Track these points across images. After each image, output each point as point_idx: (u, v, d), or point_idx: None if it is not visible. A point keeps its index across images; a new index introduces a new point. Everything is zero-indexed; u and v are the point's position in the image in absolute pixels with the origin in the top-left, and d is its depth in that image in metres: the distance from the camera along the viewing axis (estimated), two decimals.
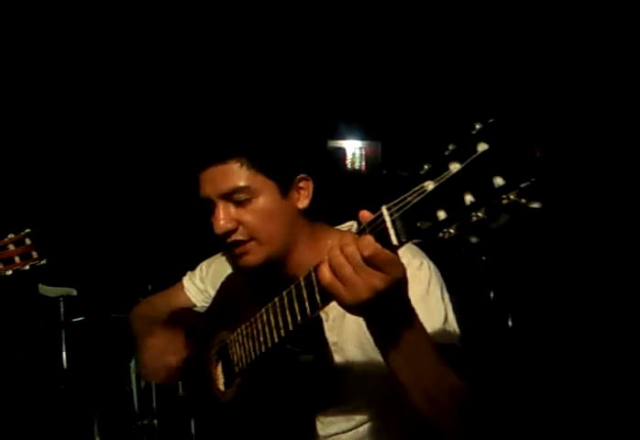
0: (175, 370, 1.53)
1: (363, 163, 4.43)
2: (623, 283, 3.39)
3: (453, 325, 1.30)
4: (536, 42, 3.62)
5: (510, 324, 3.34)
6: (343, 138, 4.42)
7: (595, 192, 3.45)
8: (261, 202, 1.34)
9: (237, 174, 1.33)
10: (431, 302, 1.29)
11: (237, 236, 1.34)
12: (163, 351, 1.54)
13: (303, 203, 1.39)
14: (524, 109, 0.67)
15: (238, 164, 1.33)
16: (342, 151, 4.41)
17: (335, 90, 4.11)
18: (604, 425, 2.90)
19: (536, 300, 3.51)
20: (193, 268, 1.74)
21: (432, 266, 1.35)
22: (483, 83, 3.72)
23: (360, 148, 4.44)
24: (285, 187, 1.37)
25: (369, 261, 0.89)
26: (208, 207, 1.38)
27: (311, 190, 1.40)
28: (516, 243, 3.23)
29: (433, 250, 1.35)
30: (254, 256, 1.36)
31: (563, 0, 3.49)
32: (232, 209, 1.34)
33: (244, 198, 1.33)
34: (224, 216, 1.33)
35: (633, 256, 3.44)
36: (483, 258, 3.39)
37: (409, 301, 1.01)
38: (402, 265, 0.93)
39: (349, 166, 4.42)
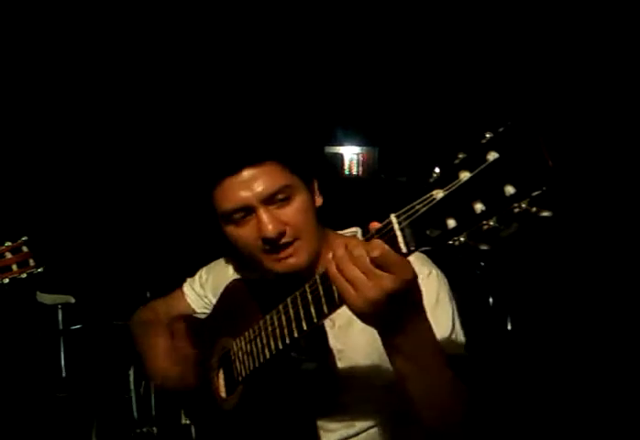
0: (190, 373, 1.49)
1: (360, 169, 4.44)
2: (621, 286, 3.40)
3: (460, 335, 1.31)
4: (542, 48, 3.61)
5: (509, 327, 3.35)
6: (340, 144, 4.43)
7: (594, 197, 3.46)
8: (300, 200, 1.33)
9: (277, 174, 1.31)
10: (439, 313, 1.29)
11: (286, 239, 1.31)
12: (171, 353, 1.51)
13: (318, 201, 1.41)
14: (535, 117, 0.67)
15: (275, 165, 1.31)
16: (340, 157, 4.42)
17: (332, 96, 4.12)
18: (603, 427, 2.90)
19: (535, 303, 3.51)
20: (191, 274, 1.74)
21: (440, 275, 1.35)
22: (479, 90, 3.72)
23: (358, 154, 4.45)
24: (310, 187, 1.38)
25: (378, 263, 0.89)
26: (229, 219, 1.33)
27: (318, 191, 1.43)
28: (515, 247, 3.22)
29: (433, 255, 1.35)
30: (300, 257, 1.33)
31: (574, 4, 3.48)
32: (275, 211, 1.31)
33: (284, 197, 1.31)
34: (271, 220, 1.29)
35: (630, 258, 3.44)
36: (482, 263, 3.39)
37: (421, 305, 1.00)
38: (411, 267, 0.92)
39: (347, 171, 4.43)
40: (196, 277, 1.71)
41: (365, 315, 0.96)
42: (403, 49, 3.95)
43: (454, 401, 1.11)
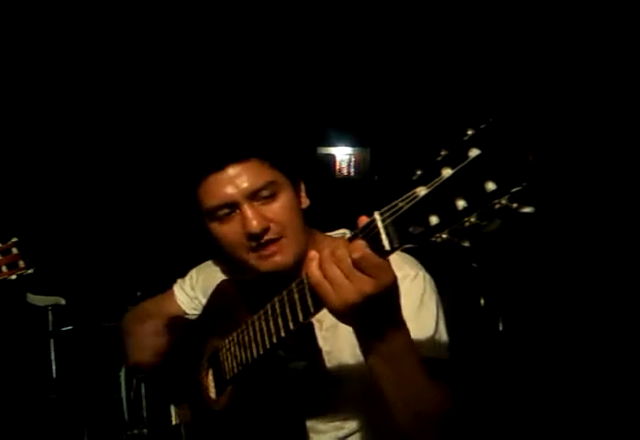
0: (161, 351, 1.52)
1: (352, 170, 4.45)
2: (613, 286, 3.41)
3: (443, 339, 1.30)
4: (525, 48, 3.64)
5: (500, 328, 3.35)
6: (332, 145, 4.44)
7: (584, 196, 3.48)
8: (285, 197, 1.33)
9: (262, 170, 1.31)
10: (423, 315, 1.29)
11: (270, 235, 1.31)
12: (153, 333, 1.55)
13: (305, 202, 1.41)
14: (516, 114, 0.67)
15: (261, 162, 1.32)
16: (331, 158, 4.43)
17: (324, 97, 4.12)
18: (596, 428, 2.91)
19: (527, 304, 3.52)
20: (182, 274, 1.73)
21: (427, 277, 1.35)
22: (472, 89, 3.74)
23: (350, 155, 4.45)
24: (296, 186, 1.39)
25: (359, 265, 0.89)
26: (213, 215, 1.33)
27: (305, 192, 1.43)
28: (506, 248, 3.24)
29: (424, 257, 1.36)
30: (284, 255, 1.32)
31: (552, 4, 3.51)
32: (259, 208, 1.31)
33: (269, 194, 1.31)
34: (256, 215, 1.29)
35: (622, 258, 3.46)
36: (474, 264, 3.40)
37: (399, 311, 1.00)
38: (392, 271, 0.92)
39: (339, 172, 4.43)
40: (187, 278, 1.71)
41: (342, 316, 0.97)
42: (396, 48, 3.96)
43: (431, 405, 1.11)
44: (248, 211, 1.29)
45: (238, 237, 1.32)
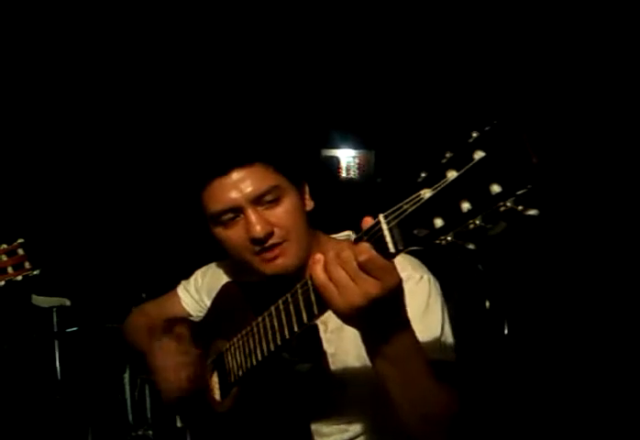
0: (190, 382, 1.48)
1: (357, 172, 4.45)
2: (619, 289, 3.40)
3: (449, 341, 1.30)
4: (530, 49, 3.64)
5: (506, 331, 3.34)
6: (336, 147, 4.44)
7: (590, 199, 3.47)
8: (289, 201, 1.33)
9: (266, 175, 1.31)
10: (429, 317, 1.29)
11: (274, 240, 1.31)
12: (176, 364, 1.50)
13: (309, 205, 1.41)
14: (520, 116, 0.67)
15: (265, 166, 1.32)
16: (336, 160, 4.43)
17: (328, 99, 4.13)
18: (601, 430, 2.90)
19: (533, 307, 3.51)
20: (187, 276, 1.74)
21: (432, 280, 1.35)
22: (476, 91, 3.74)
23: (354, 157, 4.46)
24: (300, 189, 1.39)
25: (364, 267, 0.89)
26: (218, 220, 1.33)
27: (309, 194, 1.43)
28: (512, 250, 3.23)
29: (429, 259, 1.36)
30: (288, 258, 1.33)
31: (558, 5, 3.51)
32: (263, 212, 1.31)
33: (273, 198, 1.31)
34: (259, 220, 1.29)
35: (628, 260, 3.45)
36: (479, 267, 3.39)
37: (405, 312, 1.00)
38: (397, 273, 0.92)
39: (343, 175, 4.43)
40: (192, 280, 1.71)
41: (347, 318, 0.96)
42: (400, 50, 3.96)
43: (437, 407, 1.10)
44: (252, 216, 1.29)
45: (242, 241, 1.32)
